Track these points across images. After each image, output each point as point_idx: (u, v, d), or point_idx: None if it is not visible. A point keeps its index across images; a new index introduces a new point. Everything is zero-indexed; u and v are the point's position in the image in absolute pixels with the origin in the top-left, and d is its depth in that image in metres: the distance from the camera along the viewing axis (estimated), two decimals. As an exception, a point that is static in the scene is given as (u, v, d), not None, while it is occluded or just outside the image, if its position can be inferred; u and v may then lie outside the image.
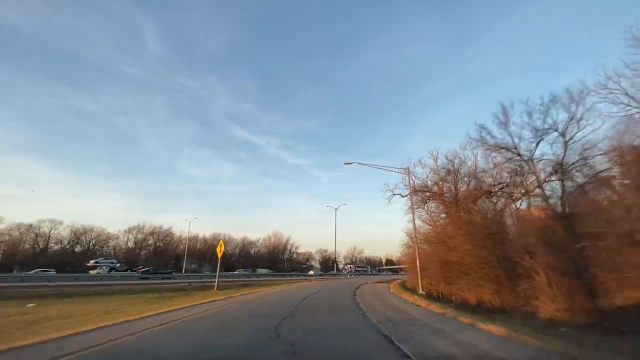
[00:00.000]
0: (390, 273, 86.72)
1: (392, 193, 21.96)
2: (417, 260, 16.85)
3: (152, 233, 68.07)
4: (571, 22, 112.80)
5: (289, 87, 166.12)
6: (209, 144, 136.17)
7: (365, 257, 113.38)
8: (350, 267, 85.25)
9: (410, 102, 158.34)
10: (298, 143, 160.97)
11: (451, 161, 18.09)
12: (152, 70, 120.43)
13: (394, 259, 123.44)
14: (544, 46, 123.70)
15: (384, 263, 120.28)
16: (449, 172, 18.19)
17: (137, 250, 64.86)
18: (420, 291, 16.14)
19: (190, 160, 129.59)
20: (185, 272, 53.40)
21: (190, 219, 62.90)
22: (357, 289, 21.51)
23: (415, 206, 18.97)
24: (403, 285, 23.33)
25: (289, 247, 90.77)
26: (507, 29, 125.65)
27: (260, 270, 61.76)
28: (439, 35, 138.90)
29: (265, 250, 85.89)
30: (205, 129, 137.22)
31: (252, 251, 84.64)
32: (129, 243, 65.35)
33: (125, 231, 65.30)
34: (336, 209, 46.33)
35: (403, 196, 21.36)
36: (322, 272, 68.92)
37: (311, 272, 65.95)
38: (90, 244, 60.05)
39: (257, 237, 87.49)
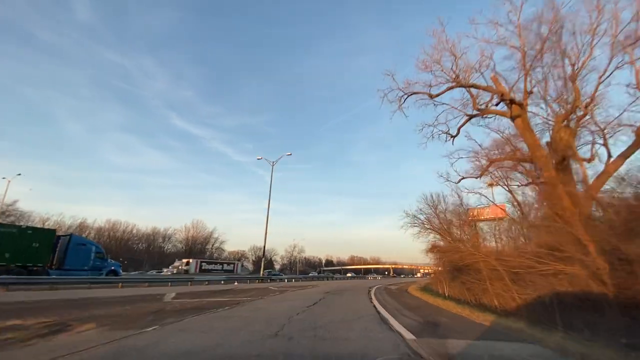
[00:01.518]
0: (332, 275, 75.89)
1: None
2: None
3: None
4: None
5: (234, 80, 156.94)
6: (140, 131, 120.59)
7: (305, 258, 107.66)
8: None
9: (355, 110, 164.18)
10: (241, 139, 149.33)
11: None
12: (75, 40, 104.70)
13: (335, 259, 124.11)
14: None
15: (323, 264, 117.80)
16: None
17: None
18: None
19: (116, 147, 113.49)
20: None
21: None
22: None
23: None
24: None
25: (212, 240, 75.65)
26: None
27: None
28: (383, 50, 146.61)
29: (181, 245, 70.33)
30: (136, 114, 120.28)
31: (167, 247, 69.31)
32: None
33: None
34: (273, 163, 33.88)
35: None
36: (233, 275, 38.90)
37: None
38: None
39: (171, 227, 71.28)
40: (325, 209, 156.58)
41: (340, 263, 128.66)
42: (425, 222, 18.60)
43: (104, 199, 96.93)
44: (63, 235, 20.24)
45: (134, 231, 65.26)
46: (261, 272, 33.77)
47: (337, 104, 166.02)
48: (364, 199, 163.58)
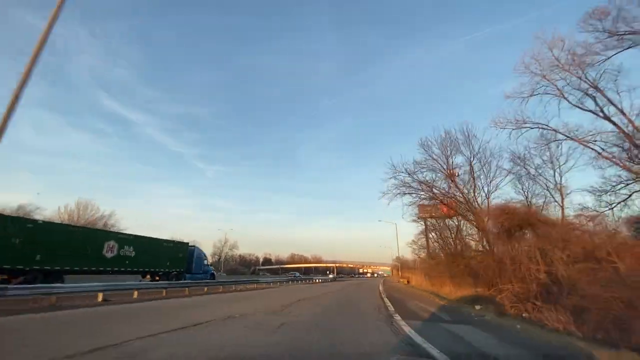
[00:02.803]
0: (269, 275, 73.20)
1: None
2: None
3: None
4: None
5: (179, 64, 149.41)
6: (62, 109, 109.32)
7: (240, 255, 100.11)
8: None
9: (307, 111, 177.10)
10: (183, 129, 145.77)
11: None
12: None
13: (274, 258, 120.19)
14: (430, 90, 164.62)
15: (260, 262, 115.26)
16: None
17: None
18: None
19: (31, 125, 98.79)
20: None
21: None
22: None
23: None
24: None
25: (109, 227, 52.52)
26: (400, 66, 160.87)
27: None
28: (337, 57, 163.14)
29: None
30: (58, 90, 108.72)
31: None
32: None
33: None
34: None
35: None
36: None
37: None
38: None
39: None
40: (270, 207, 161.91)
41: (279, 262, 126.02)
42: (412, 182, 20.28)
43: (13, 184, 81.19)
44: (190, 246, 25.83)
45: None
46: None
47: (289, 103, 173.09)
48: (310, 199, 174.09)
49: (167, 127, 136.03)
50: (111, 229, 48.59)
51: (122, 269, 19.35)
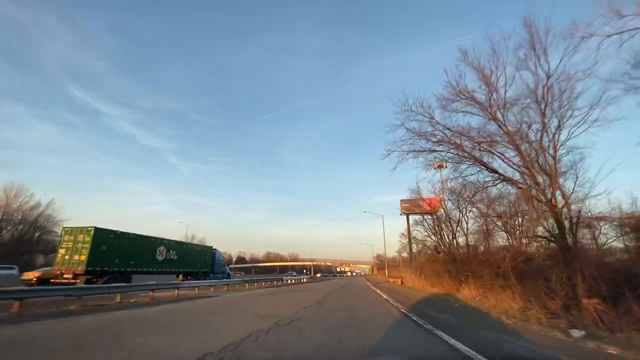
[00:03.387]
0: (243, 274, 72.32)
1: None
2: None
3: None
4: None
5: (157, 56, 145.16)
6: (27, 98, 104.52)
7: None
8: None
9: (288, 108, 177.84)
10: (157, 123, 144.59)
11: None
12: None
13: (248, 256, 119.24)
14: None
15: (234, 261, 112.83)
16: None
17: None
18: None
19: None
20: None
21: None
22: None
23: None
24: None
25: (46, 217, 45.09)
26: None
27: None
28: (321, 56, 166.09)
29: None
30: (23, 76, 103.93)
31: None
32: None
33: None
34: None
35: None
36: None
37: None
38: None
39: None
40: (248, 206, 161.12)
41: (254, 260, 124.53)
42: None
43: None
44: (212, 250, 29.08)
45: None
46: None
47: (270, 100, 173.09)
48: (289, 198, 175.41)
49: (142, 120, 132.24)
50: (53, 219, 44.72)
51: (167, 270, 22.56)
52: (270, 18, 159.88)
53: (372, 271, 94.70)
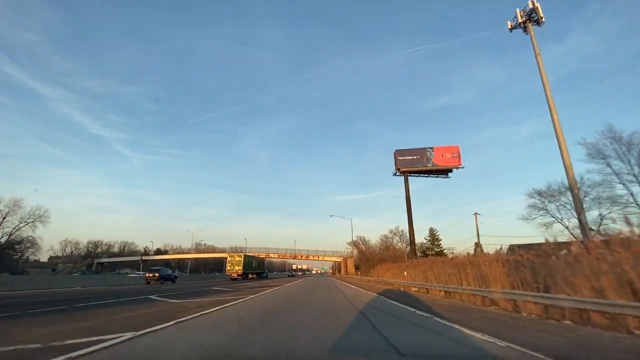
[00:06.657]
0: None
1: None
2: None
3: None
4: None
5: (107, 36, 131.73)
6: None
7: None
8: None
9: (249, 103, 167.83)
10: (106, 110, 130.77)
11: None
12: None
13: (169, 248, 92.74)
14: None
15: (152, 252, 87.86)
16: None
17: None
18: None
19: None
20: None
21: None
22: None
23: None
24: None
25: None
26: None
27: None
28: (284, 53, 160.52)
29: None
30: None
31: None
32: None
33: None
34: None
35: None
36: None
37: None
38: None
39: None
40: (203, 201, 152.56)
41: (181, 251, 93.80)
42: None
43: None
44: (262, 257, 50.86)
45: None
46: None
47: (230, 93, 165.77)
48: (248, 195, 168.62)
49: (86, 105, 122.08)
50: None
51: (248, 272, 44.01)
52: (232, 7, 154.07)
53: (345, 267, 70.86)
